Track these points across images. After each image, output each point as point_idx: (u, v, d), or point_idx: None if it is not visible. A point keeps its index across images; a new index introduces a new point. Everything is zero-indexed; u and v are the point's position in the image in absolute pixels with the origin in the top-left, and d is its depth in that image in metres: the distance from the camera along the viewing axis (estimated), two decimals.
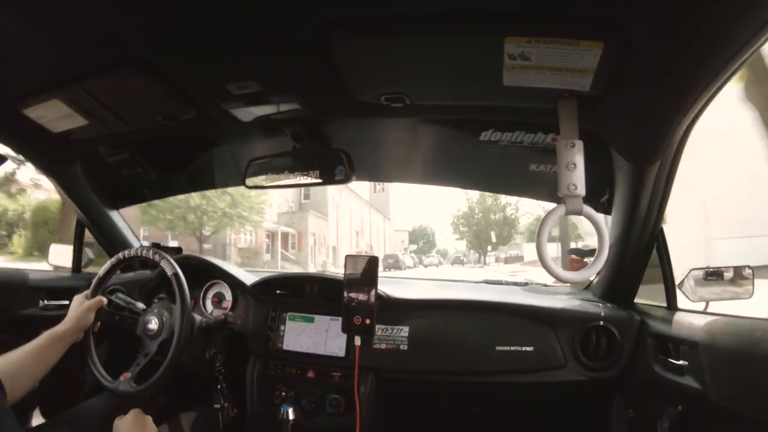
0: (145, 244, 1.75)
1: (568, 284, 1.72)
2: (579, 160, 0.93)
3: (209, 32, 0.88)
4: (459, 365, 1.44)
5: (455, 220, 43.29)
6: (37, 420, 1.76)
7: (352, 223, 33.49)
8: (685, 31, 0.73)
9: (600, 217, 0.97)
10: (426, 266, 34.48)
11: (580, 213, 0.95)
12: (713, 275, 1.35)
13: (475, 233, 39.92)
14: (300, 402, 1.52)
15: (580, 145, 0.94)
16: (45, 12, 0.86)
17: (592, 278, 1.59)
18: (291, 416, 1.35)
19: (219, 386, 1.53)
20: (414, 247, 54.56)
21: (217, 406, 1.52)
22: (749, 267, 1.34)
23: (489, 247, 37.27)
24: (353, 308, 1.42)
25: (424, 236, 60.41)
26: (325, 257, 27.09)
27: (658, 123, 0.98)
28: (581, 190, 0.93)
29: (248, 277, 1.71)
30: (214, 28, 0.87)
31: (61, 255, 2.00)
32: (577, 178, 0.93)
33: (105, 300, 1.41)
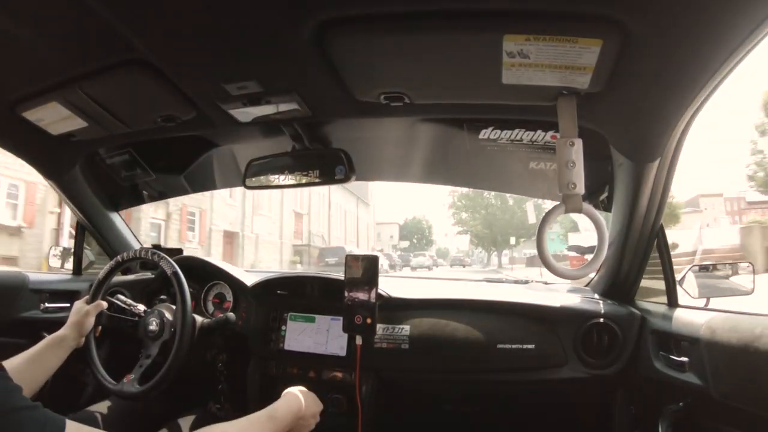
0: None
1: (569, 282, 1.72)
2: (578, 158, 0.94)
3: (207, 33, 0.88)
4: (460, 364, 1.44)
5: (455, 201, 34.00)
6: None
7: (284, 198, 22.41)
8: (684, 28, 0.73)
9: (599, 215, 0.98)
10: (414, 268, 27.72)
11: (579, 211, 0.96)
12: (713, 271, 1.35)
13: (484, 220, 31.18)
14: None
15: (579, 143, 0.94)
16: (42, 12, 0.86)
17: (592, 275, 1.60)
18: None
19: (220, 386, 1.53)
20: (406, 243, 46.60)
21: (217, 406, 1.53)
22: (749, 262, 1.34)
23: (512, 240, 28.46)
24: (354, 307, 1.42)
25: (419, 231, 52.32)
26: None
27: (658, 120, 0.98)
28: (580, 189, 0.94)
29: (249, 278, 1.72)
30: (212, 29, 0.87)
31: (62, 257, 2.00)
32: (576, 176, 0.94)
33: (105, 304, 1.41)
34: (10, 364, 1.14)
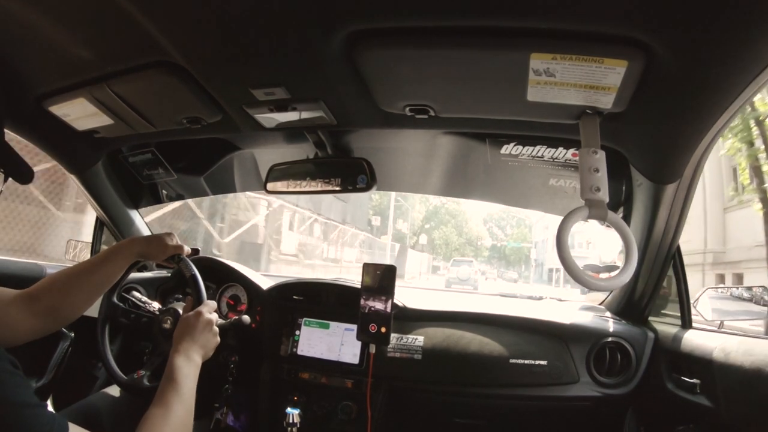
0: None
1: (583, 300, 1.72)
2: (602, 167, 0.90)
3: (239, 40, 0.89)
4: (473, 377, 1.45)
5: (422, 225, 30.10)
6: None
7: None
8: (707, 53, 0.73)
9: (624, 223, 0.91)
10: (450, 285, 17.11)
11: (604, 219, 0.89)
12: (729, 293, 1.35)
13: (454, 229, 27.00)
14: (312, 407, 1.53)
15: (602, 154, 0.91)
16: (78, 12, 0.88)
17: (606, 293, 1.60)
18: (296, 420, 1.36)
19: (226, 386, 1.54)
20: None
21: (216, 405, 1.54)
22: (764, 286, 1.34)
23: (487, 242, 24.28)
24: (369, 316, 1.43)
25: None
26: None
27: (679, 142, 0.99)
28: (605, 195, 0.88)
29: (265, 281, 1.73)
30: (244, 37, 0.88)
31: (79, 251, 2.02)
32: (600, 181, 0.89)
33: (188, 249, 1.33)
34: (67, 270, 1.11)
